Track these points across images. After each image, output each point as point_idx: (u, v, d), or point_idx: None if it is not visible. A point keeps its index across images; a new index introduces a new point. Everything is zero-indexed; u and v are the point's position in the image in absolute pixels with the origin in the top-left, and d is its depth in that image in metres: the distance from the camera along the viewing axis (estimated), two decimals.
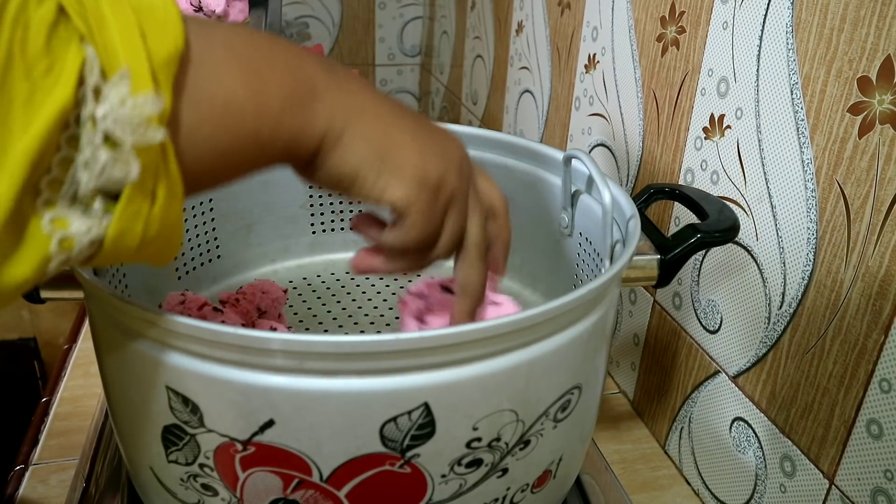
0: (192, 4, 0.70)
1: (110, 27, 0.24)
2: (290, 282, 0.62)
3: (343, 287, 0.61)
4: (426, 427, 0.34)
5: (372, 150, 0.32)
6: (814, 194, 0.46)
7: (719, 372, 0.56)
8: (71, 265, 0.26)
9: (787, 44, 0.47)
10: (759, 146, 0.50)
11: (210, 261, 0.58)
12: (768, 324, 0.51)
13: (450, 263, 0.39)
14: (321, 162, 0.32)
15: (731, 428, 0.56)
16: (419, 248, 0.36)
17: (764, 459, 0.52)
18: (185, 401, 0.34)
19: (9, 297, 0.24)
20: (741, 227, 0.52)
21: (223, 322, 0.49)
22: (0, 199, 0.22)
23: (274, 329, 0.50)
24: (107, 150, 0.24)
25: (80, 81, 0.23)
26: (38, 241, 0.24)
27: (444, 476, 0.36)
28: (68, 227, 0.24)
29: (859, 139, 0.42)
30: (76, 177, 0.24)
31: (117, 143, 0.24)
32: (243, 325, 0.50)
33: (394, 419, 0.34)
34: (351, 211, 0.63)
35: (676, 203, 0.60)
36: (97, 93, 0.23)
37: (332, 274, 0.63)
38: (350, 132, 0.32)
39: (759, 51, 0.50)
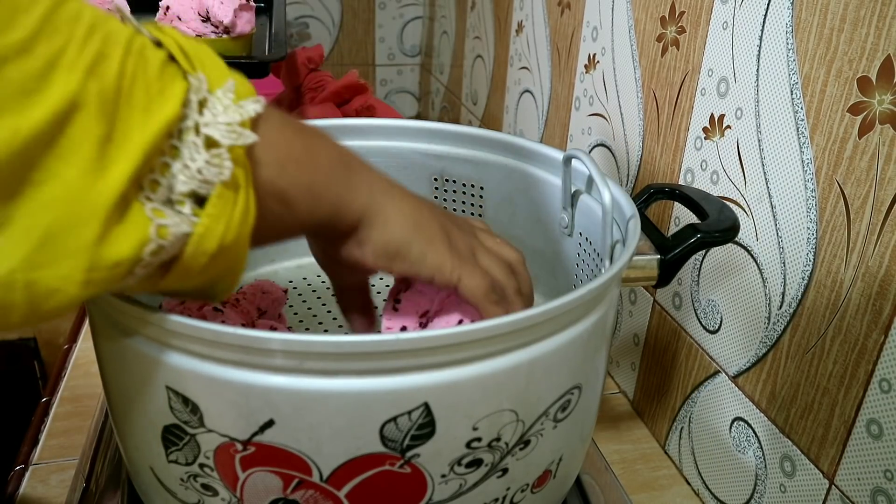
0: (199, 15, 0.70)
1: (211, 66, 0.30)
2: (290, 282, 0.62)
3: None
4: (426, 427, 0.34)
5: (410, 222, 0.37)
6: (814, 194, 0.46)
7: (719, 372, 0.56)
8: (154, 264, 0.29)
9: (787, 44, 0.47)
10: (759, 146, 0.50)
11: None
12: (768, 324, 0.51)
13: None
14: (367, 235, 0.36)
15: (731, 428, 0.56)
16: (497, 300, 0.39)
17: (764, 459, 0.52)
18: (185, 401, 0.34)
19: (104, 274, 0.27)
20: (741, 227, 0.52)
21: (223, 322, 0.49)
22: (117, 178, 0.26)
23: (274, 329, 0.50)
24: (205, 152, 0.29)
25: (185, 104, 0.28)
26: (140, 223, 0.27)
27: (444, 476, 0.36)
28: (166, 218, 0.28)
29: (859, 139, 0.42)
30: (173, 179, 0.28)
31: (216, 143, 0.29)
32: (243, 325, 0.50)
33: (394, 419, 0.34)
34: None
35: (676, 203, 0.60)
36: (202, 105, 0.29)
37: None
38: (390, 206, 0.37)
39: (759, 51, 0.50)
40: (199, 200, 0.29)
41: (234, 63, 0.71)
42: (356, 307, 0.45)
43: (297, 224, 0.35)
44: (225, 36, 0.71)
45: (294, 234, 0.36)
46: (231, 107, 0.30)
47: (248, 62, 0.72)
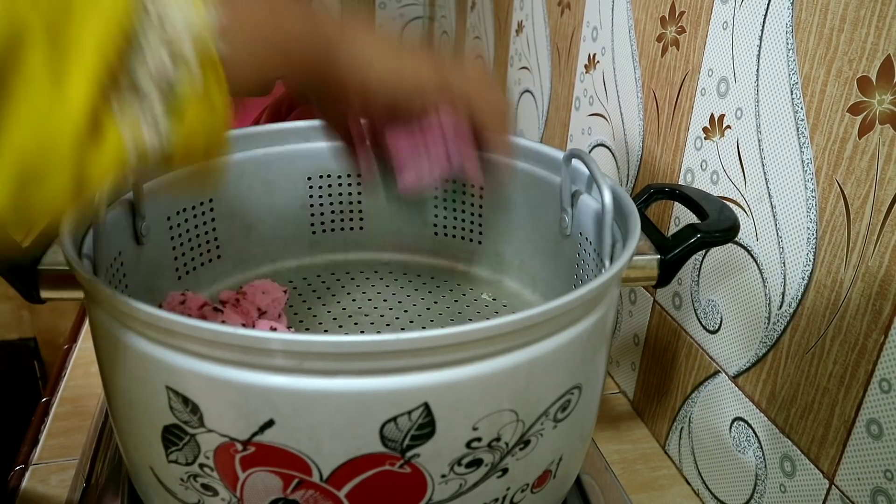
0: None
1: None
2: (290, 282, 0.62)
3: (343, 287, 0.61)
4: (426, 427, 0.34)
5: (381, 36, 0.39)
6: (814, 194, 0.46)
7: (719, 372, 0.56)
8: (148, 160, 0.28)
9: (787, 44, 0.47)
10: (759, 146, 0.50)
11: (210, 261, 0.58)
12: (768, 324, 0.51)
13: None
14: (339, 50, 0.38)
15: (731, 428, 0.56)
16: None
17: (764, 459, 0.52)
18: (185, 401, 0.34)
19: (92, 187, 0.27)
20: (741, 227, 0.52)
21: (223, 322, 0.49)
22: (78, 96, 0.25)
23: (274, 329, 0.50)
24: (164, 50, 0.28)
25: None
26: (115, 139, 0.27)
27: (444, 476, 0.36)
28: (139, 127, 0.28)
29: (859, 139, 0.42)
30: (137, 77, 0.27)
31: (181, 54, 0.28)
32: (243, 325, 0.50)
33: (394, 419, 0.34)
34: (351, 212, 0.63)
35: (676, 203, 0.60)
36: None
37: (332, 274, 0.63)
38: (360, 28, 0.39)
39: (759, 51, 0.50)
40: (172, 115, 0.29)
41: None
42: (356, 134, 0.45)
43: (271, 74, 0.36)
44: None
45: (274, 73, 0.37)
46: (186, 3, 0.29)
47: None
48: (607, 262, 0.46)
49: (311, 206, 0.62)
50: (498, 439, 0.36)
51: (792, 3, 0.47)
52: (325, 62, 0.38)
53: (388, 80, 0.40)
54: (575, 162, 0.51)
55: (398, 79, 0.40)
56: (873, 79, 0.41)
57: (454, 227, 0.62)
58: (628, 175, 0.69)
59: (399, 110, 0.42)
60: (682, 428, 0.62)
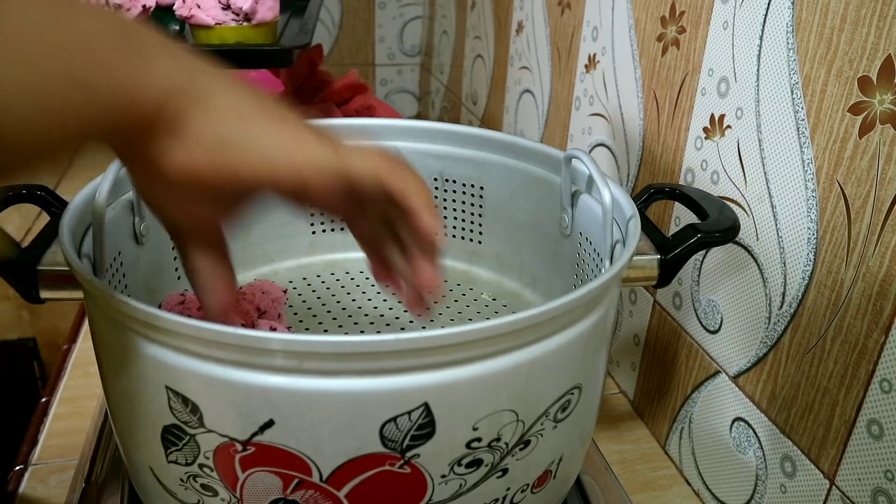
0: (220, 2, 0.69)
1: None
2: (290, 282, 0.61)
3: (343, 287, 0.61)
4: (426, 427, 0.34)
5: (249, 99, 0.27)
6: (814, 194, 0.46)
7: (719, 372, 0.56)
8: None
9: (788, 43, 0.47)
10: (760, 146, 0.50)
11: None
12: (768, 324, 0.51)
13: None
14: (185, 119, 0.26)
15: (731, 428, 0.56)
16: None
17: (764, 459, 0.52)
18: (185, 401, 0.34)
19: None
20: (741, 227, 0.52)
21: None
22: None
23: (274, 329, 0.50)
24: None
25: None
26: None
27: (444, 476, 0.36)
28: None
29: (860, 139, 0.42)
30: None
31: None
32: (243, 326, 0.50)
33: (394, 419, 0.34)
34: None
35: (676, 203, 0.60)
36: None
37: (332, 274, 0.63)
38: (216, 83, 0.27)
39: (760, 50, 0.50)
40: None
41: (256, 51, 0.70)
42: (205, 261, 0.32)
43: (78, 131, 0.25)
44: (245, 24, 0.70)
45: (84, 142, 0.25)
46: None
47: (269, 50, 0.71)
48: (607, 262, 0.46)
49: None
50: (498, 439, 0.36)
51: (792, 3, 0.47)
52: (156, 122, 0.26)
53: (261, 164, 0.28)
54: (575, 162, 0.51)
55: (274, 161, 0.28)
56: (874, 78, 0.41)
57: (454, 227, 0.62)
58: (628, 175, 0.69)
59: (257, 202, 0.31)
60: (682, 428, 0.62)
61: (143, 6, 0.71)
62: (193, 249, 0.32)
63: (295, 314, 0.57)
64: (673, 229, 0.61)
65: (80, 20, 0.24)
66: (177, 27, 0.74)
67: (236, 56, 0.70)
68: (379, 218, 0.34)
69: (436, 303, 0.52)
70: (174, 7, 0.71)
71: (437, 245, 0.33)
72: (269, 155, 0.27)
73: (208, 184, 0.28)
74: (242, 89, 0.28)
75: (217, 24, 0.69)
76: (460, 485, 0.37)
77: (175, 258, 0.55)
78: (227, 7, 0.69)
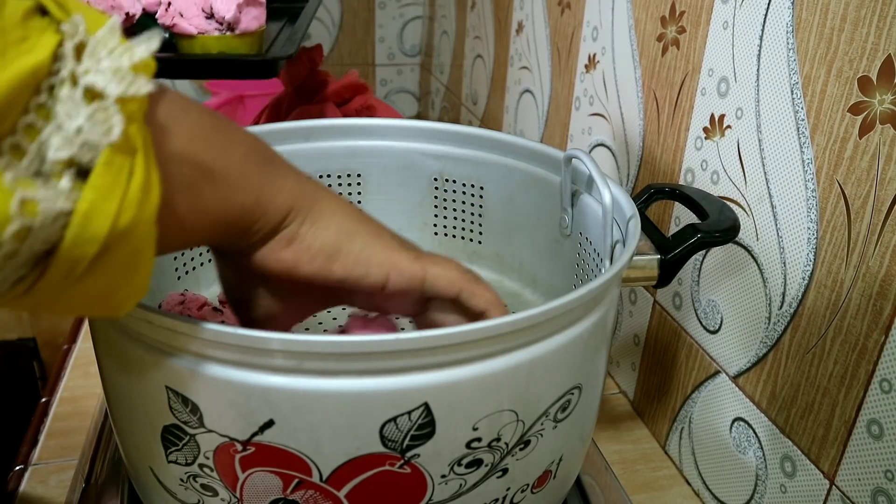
0: (203, 11, 0.69)
1: (90, 10, 0.24)
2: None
3: None
4: (426, 427, 0.34)
5: (350, 216, 0.32)
6: (814, 194, 0.46)
7: (719, 372, 0.56)
8: (23, 256, 0.22)
9: (788, 43, 0.47)
10: (760, 146, 0.50)
11: (209, 261, 0.58)
12: (768, 324, 0.51)
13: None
14: (297, 231, 0.32)
15: (731, 428, 0.56)
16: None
17: (764, 460, 0.52)
18: (185, 401, 0.34)
19: None
20: (741, 227, 0.52)
21: (223, 322, 0.49)
22: None
23: None
24: (87, 107, 0.22)
25: (57, 56, 0.22)
26: None
27: (444, 476, 0.36)
28: (34, 190, 0.22)
29: (860, 139, 0.42)
30: (44, 146, 0.22)
31: (100, 94, 0.23)
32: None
33: (394, 419, 0.34)
34: None
35: (676, 203, 0.60)
36: (80, 49, 0.23)
37: None
38: (325, 201, 0.32)
39: (760, 51, 0.50)
40: (84, 174, 0.23)
41: (239, 62, 0.69)
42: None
43: (208, 219, 0.29)
44: (229, 33, 0.70)
45: (202, 236, 0.30)
46: (118, 48, 0.23)
47: (253, 60, 0.69)
48: (607, 262, 0.46)
49: None
50: (498, 439, 0.36)
51: (792, 3, 0.47)
52: (277, 230, 0.31)
53: (355, 272, 0.33)
54: (575, 162, 0.51)
55: (366, 270, 0.33)
56: (874, 78, 0.41)
57: (454, 227, 0.62)
58: (628, 175, 0.69)
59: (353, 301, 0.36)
60: (682, 428, 0.62)
61: (127, 14, 0.70)
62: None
63: None
64: (673, 229, 0.61)
65: (235, 136, 0.30)
66: (166, 35, 0.74)
67: (219, 66, 0.68)
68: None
69: None
70: (156, 15, 0.70)
71: None
72: (364, 262, 0.33)
73: (306, 281, 0.33)
74: (345, 206, 0.33)
75: (200, 33, 0.69)
76: (460, 485, 0.37)
77: (175, 258, 0.55)
78: (210, 16, 0.69)
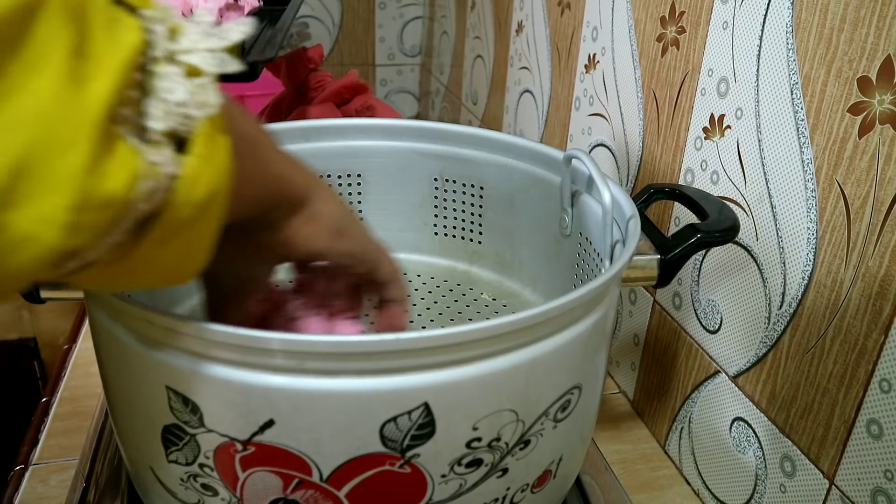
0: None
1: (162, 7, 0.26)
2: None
3: None
4: (426, 427, 0.34)
5: (345, 203, 0.38)
6: (814, 194, 0.46)
7: (719, 372, 0.56)
8: (138, 215, 0.24)
9: (787, 44, 0.47)
10: (759, 146, 0.50)
11: None
12: (768, 324, 0.51)
13: None
14: (317, 209, 0.35)
15: (731, 428, 0.56)
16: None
17: (764, 459, 0.52)
18: (185, 401, 0.34)
19: (90, 217, 0.22)
20: (741, 227, 0.52)
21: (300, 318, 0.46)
22: (99, 95, 0.22)
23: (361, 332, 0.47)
24: (188, 83, 0.25)
25: (147, 32, 0.24)
26: (128, 157, 0.23)
27: (444, 476, 0.36)
28: (153, 153, 0.24)
29: (859, 139, 0.42)
30: (146, 118, 0.24)
31: (199, 72, 0.25)
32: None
33: (394, 419, 0.34)
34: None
35: (676, 203, 0.60)
36: (174, 32, 0.25)
37: None
38: (327, 188, 0.37)
39: (759, 51, 0.50)
40: (178, 146, 0.25)
41: None
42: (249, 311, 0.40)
43: (251, 189, 0.32)
44: None
45: (245, 205, 0.32)
46: (209, 33, 0.26)
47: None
48: (607, 262, 0.46)
49: None
50: (498, 439, 0.36)
51: (792, 3, 0.47)
52: (297, 208, 0.35)
53: (348, 248, 0.38)
54: (575, 162, 0.51)
55: (350, 247, 0.38)
56: (873, 79, 0.41)
57: (454, 227, 0.62)
58: (628, 175, 0.69)
59: (336, 276, 0.40)
60: (682, 428, 0.62)
61: None
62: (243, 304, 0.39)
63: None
64: (673, 229, 0.61)
65: (260, 126, 0.34)
66: None
67: None
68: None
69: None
70: None
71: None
72: (362, 241, 0.38)
73: (320, 255, 0.37)
74: (336, 197, 0.37)
75: None
76: (460, 484, 0.37)
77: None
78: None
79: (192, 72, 0.25)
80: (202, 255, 0.29)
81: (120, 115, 0.23)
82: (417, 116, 1.46)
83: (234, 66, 0.27)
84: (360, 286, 0.42)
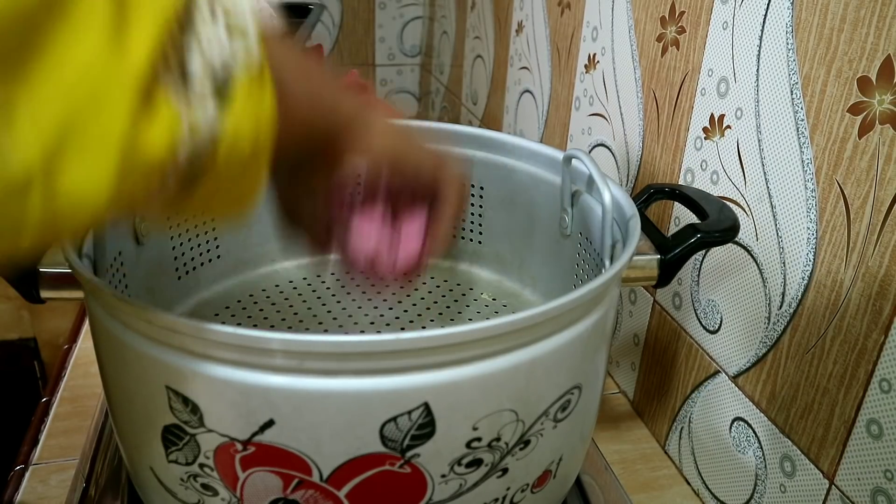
0: None
1: None
2: (290, 282, 0.62)
3: (343, 287, 0.61)
4: (426, 427, 0.34)
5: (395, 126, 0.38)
6: (814, 194, 0.46)
7: (719, 372, 0.56)
8: (182, 170, 0.25)
9: (787, 44, 0.47)
10: (759, 146, 0.50)
11: (210, 261, 0.58)
12: (768, 324, 0.51)
13: None
14: (371, 121, 0.37)
15: (731, 428, 0.56)
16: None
17: (764, 459, 0.52)
18: (185, 401, 0.34)
19: (137, 176, 0.23)
20: (741, 227, 0.52)
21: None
22: (140, 55, 0.22)
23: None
24: (230, 38, 0.26)
25: None
26: (169, 115, 0.24)
27: (444, 476, 0.36)
28: (194, 110, 0.25)
29: (859, 139, 0.42)
30: (191, 72, 0.25)
31: (242, 29, 0.26)
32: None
33: (394, 419, 0.34)
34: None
35: (676, 203, 0.60)
36: None
37: (332, 274, 0.63)
38: (377, 118, 0.38)
39: (759, 51, 0.50)
40: (222, 96, 0.26)
41: None
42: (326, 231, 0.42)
43: (301, 124, 0.33)
44: None
45: (293, 144, 0.33)
46: None
47: None
48: (607, 262, 0.46)
49: None
50: (498, 439, 0.36)
51: (792, 3, 0.47)
52: (345, 133, 0.36)
53: (404, 163, 0.39)
54: (575, 162, 0.51)
55: (407, 163, 0.39)
56: (873, 79, 0.41)
57: (454, 227, 0.62)
58: (628, 175, 0.69)
59: (400, 192, 0.41)
60: (682, 428, 0.62)
61: None
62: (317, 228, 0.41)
63: (295, 314, 0.57)
64: (673, 229, 0.61)
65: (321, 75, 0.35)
66: None
67: None
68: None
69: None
70: None
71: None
72: (415, 161, 0.39)
73: (379, 164, 0.38)
74: (390, 117, 0.38)
75: None
76: (460, 484, 0.37)
77: (175, 258, 0.55)
78: None
79: (233, 27, 0.26)
80: (255, 191, 0.31)
81: (161, 73, 0.24)
82: (417, 116, 1.46)
83: (274, 21, 0.28)
84: (421, 197, 0.42)
